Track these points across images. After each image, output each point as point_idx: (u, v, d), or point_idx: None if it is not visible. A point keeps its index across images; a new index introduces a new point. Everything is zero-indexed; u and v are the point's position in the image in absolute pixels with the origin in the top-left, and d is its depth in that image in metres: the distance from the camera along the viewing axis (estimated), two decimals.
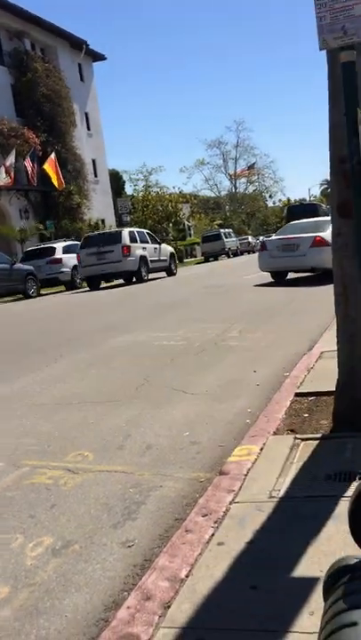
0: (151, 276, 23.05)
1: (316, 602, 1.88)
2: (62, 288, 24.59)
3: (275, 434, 3.64)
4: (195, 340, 7.75)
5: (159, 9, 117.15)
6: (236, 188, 72.46)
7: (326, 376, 4.64)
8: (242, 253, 46.28)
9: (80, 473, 3.56)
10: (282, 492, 2.77)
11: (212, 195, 72.41)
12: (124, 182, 52.76)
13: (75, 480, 3.46)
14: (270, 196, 74.46)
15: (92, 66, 44.48)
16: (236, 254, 44.48)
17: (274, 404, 4.27)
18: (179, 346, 7.53)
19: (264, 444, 3.46)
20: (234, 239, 46.39)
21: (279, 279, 15.11)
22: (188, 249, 49.76)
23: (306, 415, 3.97)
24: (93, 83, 44.39)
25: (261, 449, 3.38)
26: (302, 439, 3.46)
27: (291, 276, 15.29)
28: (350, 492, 2.62)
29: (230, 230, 48.17)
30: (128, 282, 22.85)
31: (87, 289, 22.73)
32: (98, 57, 44.43)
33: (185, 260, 44.84)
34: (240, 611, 1.91)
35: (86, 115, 42.58)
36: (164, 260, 24.52)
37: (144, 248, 22.62)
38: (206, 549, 2.34)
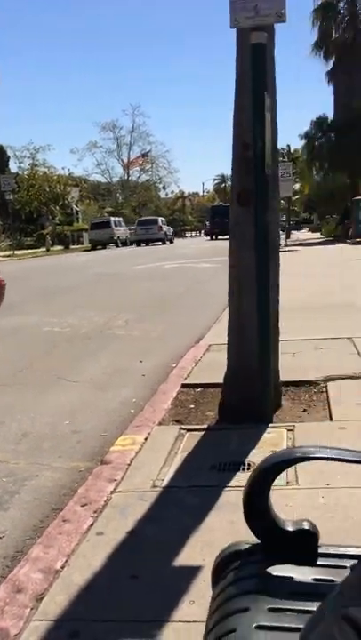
0: None
1: (197, 591, 1.89)
2: None
3: (160, 424, 3.65)
4: (81, 327, 7.64)
5: None
6: (129, 176, 72.05)
7: (213, 368, 4.71)
8: (131, 243, 46.04)
9: None
10: (165, 482, 2.77)
11: (104, 180, 71.59)
12: (9, 158, 50.81)
13: None
14: (164, 187, 74.71)
15: None
16: (125, 244, 44.20)
17: (160, 395, 4.28)
18: (65, 332, 7.39)
19: (149, 433, 3.45)
20: (124, 228, 46.01)
21: None
22: (74, 235, 48.59)
23: (192, 406, 4.01)
24: None
25: (146, 439, 3.37)
26: (188, 430, 3.49)
27: (179, 266, 15.42)
28: (234, 482, 2.68)
29: (121, 219, 47.75)
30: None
31: None
32: None
33: (71, 247, 43.90)
34: (119, 601, 1.88)
35: None
36: (171, 234, 45.54)
37: (167, 227, 44.66)
38: (84, 539, 2.29)
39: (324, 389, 4.07)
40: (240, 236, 3.62)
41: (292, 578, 0.97)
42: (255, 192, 3.41)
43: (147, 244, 41.58)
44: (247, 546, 1.03)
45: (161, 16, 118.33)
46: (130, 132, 70.52)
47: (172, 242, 44.22)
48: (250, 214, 3.48)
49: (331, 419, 3.50)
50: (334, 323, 6.46)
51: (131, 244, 43.52)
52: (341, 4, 33.63)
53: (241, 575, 1.01)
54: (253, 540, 0.97)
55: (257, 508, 0.98)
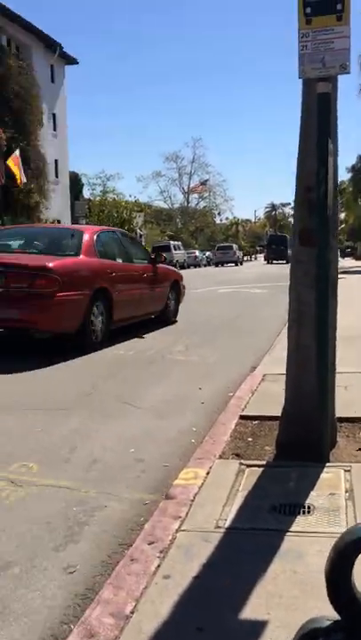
0: None
1: None
2: None
3: (220, 457, 3.52)
4: (144, 351, 7.59)
5: (130, 22, 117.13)
6: (188, 202, 72.69)
7: (270, 400, 4.57)
8: (188, 266, 46.34)
9: (24, 486, 3.33)
10: (228, 523, 2.64)
11: (166, 206, 72.31)
12: (83, 186, 51.96)
13: (18, 493, 3.24)
14: (219, 214, 75.10)
15: (65, 69, 43.79)
16: (183, 267, 44.50)
17: (219, 426, 4.16)
18: (129, 355, 7.35)
19: (210, 467, 3.34)
20: (182, 252, 46.37)
21: None
22: None
23: (250, 439, 3.87)
24: (64, 85, 43.65)
25: (208, 473, 3.26)
26: (248, 465, 3.35)
27: (237, 292, 15.28)
28: (294, 526, 2.54)
29: (180, 243, 48.16)
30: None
31: None
32: (70, 60, 43.72)
33: None
34: None
35: (54, 115, 41.70)
36: (241, 257, 54.41)
37: (239, 252, 53.09)
38: (152, 582, 2.19)
39: None
40: (302, 274, 3.51)
41: None
42: (317, 232, 3.31)
43: (223, 265, 49.40)
44: (328, 623, 0.94)
45: (218, 50, 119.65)
46: (191, 162, 71.48)
47: (242, 263, 51.44)
48: (312, 253, 3.37)
49: None
50: None
51: (188, 267, 45.04)
52: None
53: None
54: (323, 604, 0.87)
55: (339, 584, 0.90)
